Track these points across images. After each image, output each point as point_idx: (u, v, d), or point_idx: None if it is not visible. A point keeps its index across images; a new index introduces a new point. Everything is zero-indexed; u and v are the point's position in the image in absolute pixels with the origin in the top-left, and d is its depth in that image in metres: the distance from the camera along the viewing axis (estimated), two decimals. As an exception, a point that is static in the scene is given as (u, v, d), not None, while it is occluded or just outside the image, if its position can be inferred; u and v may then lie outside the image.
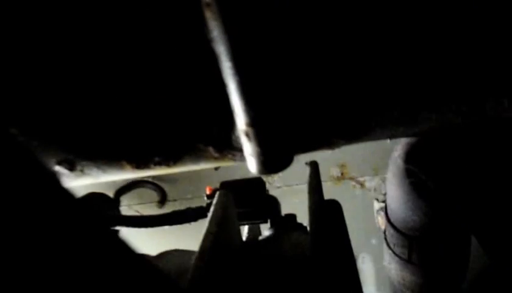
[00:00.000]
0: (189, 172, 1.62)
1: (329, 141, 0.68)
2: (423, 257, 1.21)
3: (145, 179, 0.99)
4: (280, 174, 1.58)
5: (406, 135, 0.70)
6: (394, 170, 1.12)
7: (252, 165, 0.63)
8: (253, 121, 0.58)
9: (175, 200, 1.60)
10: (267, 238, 0.90)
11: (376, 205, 1.53)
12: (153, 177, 1.42)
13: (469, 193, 1.00)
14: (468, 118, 0.66)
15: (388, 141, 1.50)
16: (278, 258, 0.82)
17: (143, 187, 1.00)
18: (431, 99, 0.63)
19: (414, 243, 1.20)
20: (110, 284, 0.35)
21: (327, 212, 0.94)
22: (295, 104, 0.64)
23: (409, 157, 1.02)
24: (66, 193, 0.34)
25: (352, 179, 1.59)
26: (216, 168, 1.52)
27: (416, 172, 1.01)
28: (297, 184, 1.60)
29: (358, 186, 1.62)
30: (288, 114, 0.63)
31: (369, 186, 1.61)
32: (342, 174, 1.57)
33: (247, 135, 0.60)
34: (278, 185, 1.55)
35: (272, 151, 0.62)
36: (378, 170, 1.56)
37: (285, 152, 0.65)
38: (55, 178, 0.33)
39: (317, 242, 0.81)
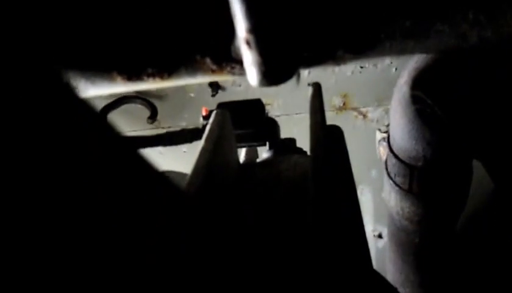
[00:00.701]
0: (184, 99, 1.59)
1: (334, 55, 0.64)
2: (423, 187, 1.20)
3: (134, 94, 0.95)
4: (280, 101, 1.54)
5: (416, 51, 0.66)
6: (399, 97, 1.08)
7: (251, 76, 0.59)
8: (255, 27, 0.54)
9: (169, 127, 1.57)
10: (265, 160, 0.87)
11: (379, 135, 1.50)
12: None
13: (476, 118, 0.96)
14: (485, 32, 0.61)
15: (393, 70, 1.45)
16: (276, 178, 0.80)
17: (132, 102, 0.95)
18: (446, 6, 0.58)
19: (416, 173, 1.18)
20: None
21: (329, 134, 0.91)
22: (299, 10, 0.59)
23: (416, 82, 0.98)
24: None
25: (354, 109, 1.55)
26: (213, 95, 1.47)
27: (422, 98, 0.97)
28: (296, 113, 1.56)
29: (360, 117, 1.58)
30: (292, 21, 0.58)
31: (371, 117, 1.57)
32: (344, 104, 1.53)
33: (247, 43, 0.55)
34: (278, 113, 1.51)
35: (274, 61, 0.57)
36: (381, 101, 1.52)
37: (287, 63, 0.60)
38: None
39: (318, 162, 0.78)
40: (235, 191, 0.77)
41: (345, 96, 1.52)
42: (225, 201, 0.73)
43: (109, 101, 1.11)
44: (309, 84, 0.89)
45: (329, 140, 0.88)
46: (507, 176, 1.08)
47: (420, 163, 1.15)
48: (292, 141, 0.96)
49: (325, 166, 0.76)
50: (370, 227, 1.93)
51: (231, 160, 0.82)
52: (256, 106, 0.93)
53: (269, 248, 0.67)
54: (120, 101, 0.90)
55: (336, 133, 0.96)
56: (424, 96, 0.96)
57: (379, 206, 1.86)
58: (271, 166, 0.85)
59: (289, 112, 1.56)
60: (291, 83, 1.54)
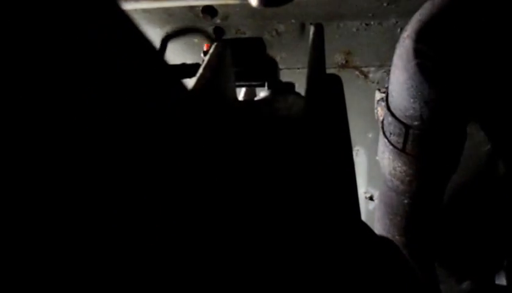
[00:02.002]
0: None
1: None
2: (417, 147, 1.21)
3: (198, 27, 0.93)
4: (283, 54, 1.54)
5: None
6: (400, 51, 1.08)
7: (252, -2, 0.59)
8: None
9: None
10: (263, 98, 0.88)
11: (378, 95, 1.50)
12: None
13: (477, 78, 0.96)
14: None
15: (398, 31, 1.44)
16: (272, 116, 0.80)
17: (194, 33, 0.94)
18: None
19: (410, 132, 1.19)
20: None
21: (327, 82, 0.91)
22: None
23: (420, 35, 0.98)
24: None
25: (356, 68, 1.55)
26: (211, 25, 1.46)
27: (424, 51, 0.97)
28: (299, 68, 1.56)
29: (361, 77, 1.58)
30: None
31: (372, 77, 1.57)
32: (346, 61, 1.52)
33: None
34: (280, 67, 1.51)
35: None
36: (384, 62, 1.51)
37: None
38: None
39: (312, 103, 0.78)
40: (229, 125, 0.77)
41: (348, 53, 1.51)
42: (218, 132, 0.74)
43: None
44: (311, 23, 0.89)
45: (326, 82, 0.88)
46: (505, 139, 1.09)
47: (416, 123, 1.15)
48: (291, 85, 0.97)
49: (320, 105, 0.76)
50: (362, 189, 1.95)
51: (228, 93, 0.82)
52: (257, 44, 0.92)
53: (260, 184, 0.68)
54: (182, 31, 0.89)
55: (335, 80, 0.95)
56: (427, 49, 0.96)
57: (373, 169, 1.87)
58: (268, 104, 0.86)
59: (291, 65, 1.55)
60: (295, 36, 1.53)
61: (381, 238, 0.71)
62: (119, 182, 0.34)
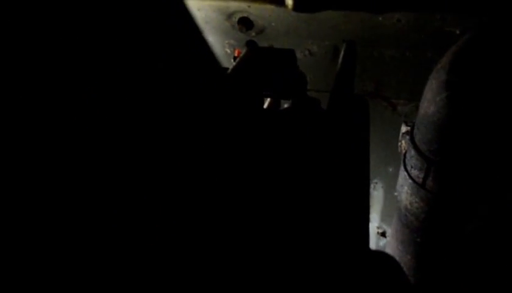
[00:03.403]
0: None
1: None
2: (437, 184, 1.18)
3: None
4: (312, 75, 1.53)
5: None
6: (432, 83, 1.06)
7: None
8: None
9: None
10: (287, 109, 0.87)
11: (404, 128, 1.47)
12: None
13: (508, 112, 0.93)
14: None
15: (432, 66, 1.42)
16: (292, 128, 0.79)
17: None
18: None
19: (432, 168, 1.16)
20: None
21: (353, 102, 0.90)
22: None
23: (453, 66, 0.96)
24: None
25: (385, 98, 1.53)
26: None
27: (456, 83, 0.94)
28: (327, 91, 1.55)
29: (389, 108, 1.56)
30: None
31: (401, 110, 1.55)
32: (376, 90, 1.51)
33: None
34: (316, 88, 1.50)
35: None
36: (415, 96, 1.49)
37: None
38: None
39: (333, 121, 0.77)
40: (255, 131, 0.76)
41: (378, 82, 1.49)
42: (243, 136, 0.72)
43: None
44: (344, 40, 0.88)
45: (352, 101, 0.86)
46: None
47: (439, 158, 1.13)
48: (317, 101, 0.95)
49: (341, 123, 0.75)
50: (375, 224, 1.91)
51: (254, 98, 0.81)
52: (289, 56, 0.92)
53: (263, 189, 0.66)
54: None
55: (361, 102, 0.94)
56: (459, 81, 0.94)
57: (389, 204, 1.83)
58: (290, 116, 0.84)
59: (320, 88, 1.54)
60: (327, 58, 1.52)
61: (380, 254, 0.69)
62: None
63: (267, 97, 0.98)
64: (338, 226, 0.60)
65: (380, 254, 0.70)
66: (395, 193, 1.42)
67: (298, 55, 1.48)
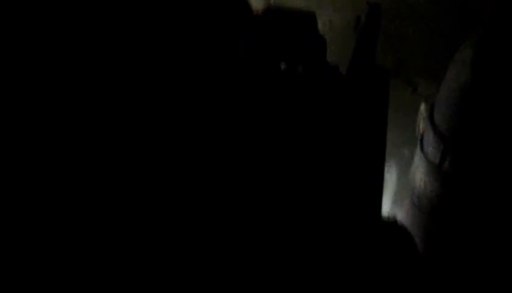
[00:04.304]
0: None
1: None
2: (455, 165, 1.13)
3: None
4: (332, 47, 1.48)
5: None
6: (456, 62, 1.01)
7: None
8: None
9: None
10: (305, 74, 0.83)
11: (423, 106, 1.42)
12: None
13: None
14: None
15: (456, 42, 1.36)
16: (311, 93, 0.76)
17: None
18: None
19: (450, 149, 1.11)
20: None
21: (373, 71, 0.87)
22: None
23: (482, 42, 0.91)
24: None
25: (406, 76, 1.47)
26: None
27: (484, 60, 0.89)
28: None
29: (409, 89, 1.50)
30: None
31: (421, 91, 1.49)
32: (397, 67, 1.46)
33: None
34: (336, 60, 1.45)
35: None
36: (437, 76, 1.44)
37: None
38: None
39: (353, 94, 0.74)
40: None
41: (400, 58, 1.44)
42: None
43: None
44: (367, 2, 0.84)
45: (373, 72, 0.83)
46: None
47: (459, 137, 1.08)
48: (335, 68, 0.92)
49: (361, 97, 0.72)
50: (385, 208, 1.87)
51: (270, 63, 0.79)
52: (310, 19, 0.88)
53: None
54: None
55: (382, 73, 0.91)
56: (484, 59, 0.89)
57: (401, 189, 1.79)
58: (305, 84, 0.82)
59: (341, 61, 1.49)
60: (348, 29, 1.47)
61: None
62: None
63: (286, 61, 0.94)
64: (353, 194, 0.59)
65: (392, 223, 0.69)
66: (409, 176, 1.38)
67: (319, 25, 1.44)
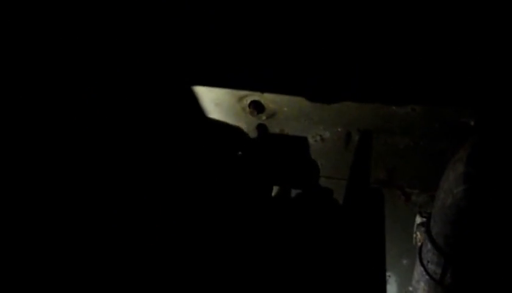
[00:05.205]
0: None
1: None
2: (457, 281, 1.10)
3: None
4: (324, 161, 1.50)
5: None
6: (449, 175, 1.02)
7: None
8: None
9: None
10: (298, 198, 0.83)
11: (419, 219, 1.41)
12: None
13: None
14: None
15: (447, 156, 1.39)
16: (305, 218, 0.76)
17: None
18: None
19: (451, 263, 1.09)
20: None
21: (369, 196, 0.87)
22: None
23: (472, 159, 0.92)
24: None
25: (398, 188, 1.49)
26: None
27: (475, 176, 0.90)
28: (338, 178, 1.51)
29: (402, 198, 1.51)
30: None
31: (415, 200, 1.50)
32: (389, 179, 1.47)
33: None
34: (327, 174, 1.46)
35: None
36: (429, 185, 1.45)
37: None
38: None
39: (348, 216, 0.74)
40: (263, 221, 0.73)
41: (391, 171, 1.46)
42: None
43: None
44: (359, 130, 0.86)
45: (368, 195, 0.83)
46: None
47: (458, 253, 1.06)
48: (329, 191, 0.92)
49: (356, 218, 0.72)
50: (388, 321, 1.79)
51: (261, 187, 0.78)
52: (301, 144, 0.90)
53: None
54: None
55: (377, 195, 0.91)
56: (477, 174, 0.90)
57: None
58: (302, 204, 0.81)
59: (331, 174, 1.51)
60: (339, 144, 1.50)
61: None
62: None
63: (277, 185, 0.95)
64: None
65: None
66: (410, 288, 1.34)
67: (310, 140, 1.47)
